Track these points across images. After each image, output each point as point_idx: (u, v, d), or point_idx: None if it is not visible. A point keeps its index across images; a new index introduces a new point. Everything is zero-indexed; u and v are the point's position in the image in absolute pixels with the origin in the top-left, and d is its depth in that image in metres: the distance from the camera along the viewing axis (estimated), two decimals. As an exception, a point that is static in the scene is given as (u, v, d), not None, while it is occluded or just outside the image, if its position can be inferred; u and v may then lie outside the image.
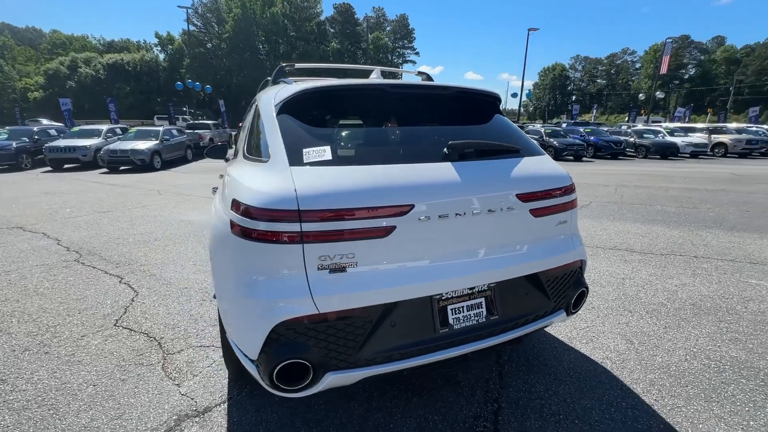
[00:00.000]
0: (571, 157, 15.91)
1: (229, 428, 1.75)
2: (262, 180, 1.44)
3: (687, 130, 20.61)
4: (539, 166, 1.75)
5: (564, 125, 24.15)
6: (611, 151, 17.44)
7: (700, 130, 21.02)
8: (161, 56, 56.11)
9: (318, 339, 1.37)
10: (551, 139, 16.59)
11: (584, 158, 16.60)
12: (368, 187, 1.37)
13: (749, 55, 64.66)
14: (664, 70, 28.78)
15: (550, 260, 1.69)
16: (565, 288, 1.80)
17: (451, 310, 1.52)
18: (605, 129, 22.41)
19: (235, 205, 1.47)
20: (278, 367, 1.33)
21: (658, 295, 3.03)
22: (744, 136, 19.17)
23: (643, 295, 3.04)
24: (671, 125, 22.80)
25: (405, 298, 1.42)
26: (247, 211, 1.37)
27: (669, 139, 18.40)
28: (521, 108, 72.28)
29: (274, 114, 1.69)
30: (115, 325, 2.72)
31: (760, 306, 2.83)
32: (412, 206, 1.40)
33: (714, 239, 4.53)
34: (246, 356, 1.45)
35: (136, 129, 15.67)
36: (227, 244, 1.49)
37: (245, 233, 1.38)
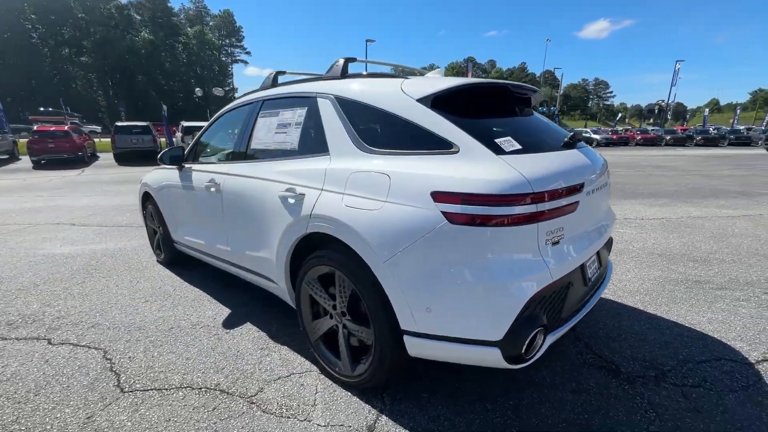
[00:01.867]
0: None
1: (410, 431, 1.67)
2: (475, 169, 1.48)
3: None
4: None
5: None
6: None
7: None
8: None
9: (545, 307, 1.54)
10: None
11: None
12: (562, 170, 1.61)
13: (511, 75, 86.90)
14: (468, 83, 35.76)
15: (613, 223, 2.26)
16: (610, 243, 2.42)
17: (588, 266, 1.90)
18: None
19: (447, 196, 1.46)
20: (528, 340, 1.45)
21: (586, 248, 4.15)
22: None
23: (578, 250, 4.11)
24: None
25: (583, 261, 1.72)
26: (481, 199, 1.42)
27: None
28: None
29: (426, 107, 1.70)
30: (123, 391, 2.00)
31: (644, 244, 4.25)
32: (584, 184, 1.71)
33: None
34: (479, 342, 1.48)
35: None
36: (442, 238, 1.46)
37: (479, 220, 1.42)
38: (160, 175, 3.63)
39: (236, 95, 61.59)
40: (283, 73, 2.72)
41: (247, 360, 2.26)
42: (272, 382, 2.05)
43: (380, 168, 1.69)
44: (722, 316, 2.60)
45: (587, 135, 32.11)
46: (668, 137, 30.88)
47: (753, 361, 2.10)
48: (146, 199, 3.99)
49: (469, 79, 1.77)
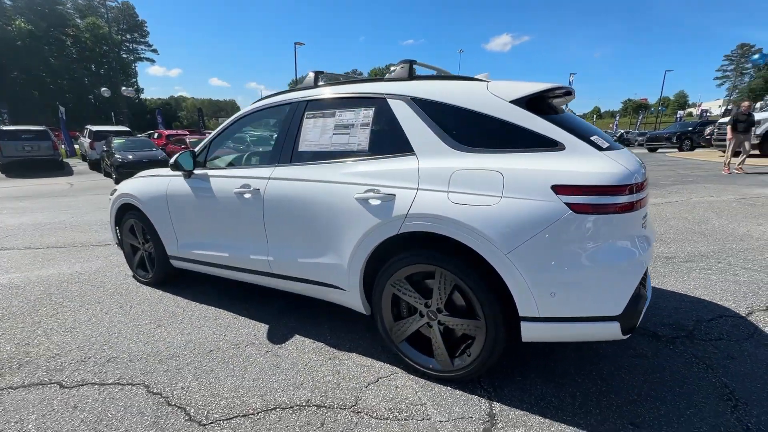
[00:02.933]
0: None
1: (527, 411, 1.77)
2: (589, 164, 1.64)
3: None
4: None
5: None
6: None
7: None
8: None
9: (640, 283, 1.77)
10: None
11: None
12: (638, 165, 1.85)
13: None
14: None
15: None
16: None
17: None
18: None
19: (569, 188, 1.61)
20: (642, 311, 1.66)
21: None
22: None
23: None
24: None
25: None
26: (601, 190, 1.58)
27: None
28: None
29: (521, 108, 1.83)
30: (202, 424, 1.78)
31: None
32: (647, 177, 1.98)
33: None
34: (600, 319, 1.64)
35: None
36: (568, 227, 1.59)
37: (600, 209, 1.58)
38: (150, 184, 3.22)
39: (142, 96, 55.27)
40: (322, 73, 2.64)
41: (323, 372, 2.15)
42: (364, 390, 1.99)
43: (490, 166, 1.77)
44: (701, 283, 3.17)
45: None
46: (569, 139, 35.31)
47: (744, 315, 2.62)
48: (125, 212, 3.49)
49: (551, 84, 1.94)
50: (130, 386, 2.07)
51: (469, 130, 1.92)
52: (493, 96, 1.90)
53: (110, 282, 3.60)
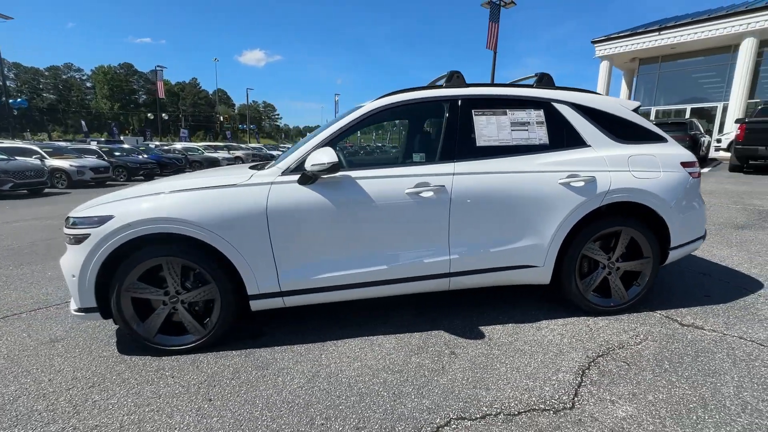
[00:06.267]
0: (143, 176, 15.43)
1: (681, 307, 2.74)
2: (682, 150, 2.76)
3: (215, 148, 25.29)
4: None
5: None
6: (178, 166, 18.48)
7: (221, 147, 26.51)
8: None
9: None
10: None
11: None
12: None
13: (183, 90, 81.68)
14: (161, 95, 31.46)
15: None
16: None
17: None
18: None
19: (688, 164, 2.70)
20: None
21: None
22: (243, 152, 26.55)
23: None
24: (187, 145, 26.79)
25: None
26: (696, 164, 2.74)
27: (213, 154, 22.05)
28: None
29: (638, 115, 2.80)
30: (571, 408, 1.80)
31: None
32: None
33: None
34: (698, 239, 2.80)
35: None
36: (690, 187, 2.66)
37: (695, 175, 2.74)
38: (222, 199, 2.24)
39: None
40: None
41: (551, 341, 2.40)
42: (593, 338, 2.42)
43: (648, 152, 2.63)
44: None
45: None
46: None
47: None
48: (126, 250, 2.21)
49: (638, 102, 2.97)
50: (446, 429, 1.69)
51: (617, 128, 2.71)
52: (622, 107, 2.77)
53: (112, 370, 2.16)
